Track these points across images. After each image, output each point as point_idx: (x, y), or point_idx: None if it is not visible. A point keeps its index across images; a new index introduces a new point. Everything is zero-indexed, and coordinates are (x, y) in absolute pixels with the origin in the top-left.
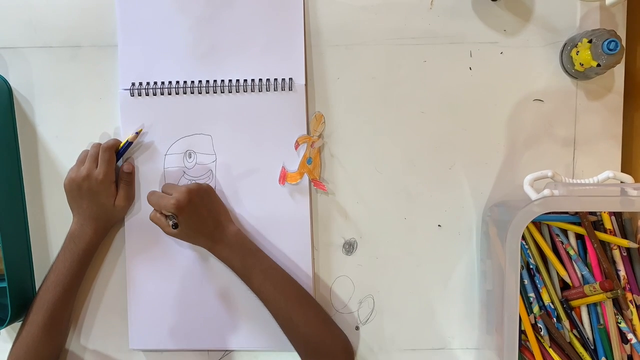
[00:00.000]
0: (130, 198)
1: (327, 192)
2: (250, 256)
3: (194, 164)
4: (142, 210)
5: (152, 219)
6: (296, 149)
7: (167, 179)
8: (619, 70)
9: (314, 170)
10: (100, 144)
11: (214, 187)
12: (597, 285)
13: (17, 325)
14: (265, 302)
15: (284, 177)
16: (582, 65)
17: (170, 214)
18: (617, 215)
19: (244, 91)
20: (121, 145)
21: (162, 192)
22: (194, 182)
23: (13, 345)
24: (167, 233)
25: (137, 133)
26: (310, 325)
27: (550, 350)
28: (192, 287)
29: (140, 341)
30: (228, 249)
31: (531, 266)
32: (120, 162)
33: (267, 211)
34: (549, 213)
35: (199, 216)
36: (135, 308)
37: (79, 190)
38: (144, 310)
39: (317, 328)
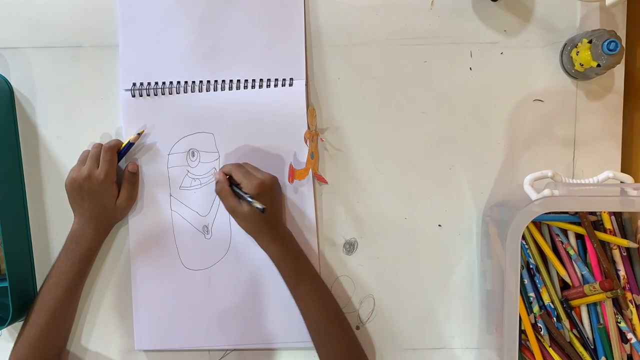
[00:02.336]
0: (132, 198)
1: (329, 192)
2: (301, 262)
3: (197, 162)
4: (145, 208)
5: (219, 192)
6: (305, 143)
7: (171, 179)
8: (619, 71)
9: (315, 164)
10: (101, 144)
11: None
12: (597, 285)
13: (18, 325)
14: (305, 311)
15: (292, 175)
16: (582, 65)
17: (248, 194)
18: (617, 215)
19: (245, 88)
20: (123, 145)
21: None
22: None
23: (14, 345)
24: (237, 214)
25: (139, 134)
26: (343, 343)
27: (550, 350)
28: (195, 286)
29: (146, 342)
30: (284, 250)
31: (531, 266)
32: (122, 163)
33: None
34: (549, 213)
35: (272, 207)
36: (141, 308)
37: (80, 190)
38: (149, 310)
39: (348, 347)
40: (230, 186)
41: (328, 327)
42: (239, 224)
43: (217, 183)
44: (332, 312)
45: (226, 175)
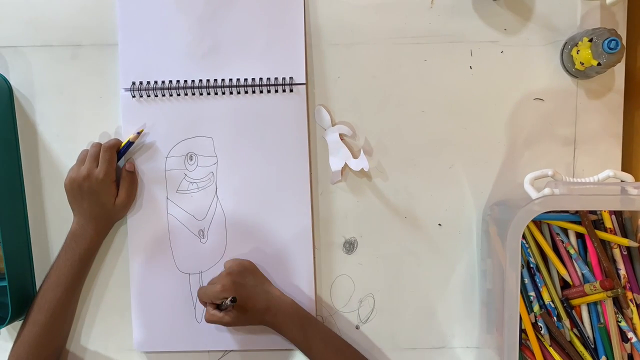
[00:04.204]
0: (131, 197)
1: (328, 191)
2: (309, 325)
3: (195, 166)
4: (143, 208)
5: (208, 321)
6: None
7: (169, 182)
8: (620, 69)
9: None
10: (100, 144)
11: (214, 189)
12: (597, 284)
13: (17, 324)
14: None
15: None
16: (583, 64)
17: (221, 301)
18: (618, 214)
19: (245, 92)
20: (122, 145)
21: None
22: (233, 259)
23: (14, 345)
24: (228, 324)
25: (139, 133)
26: None
27: (551, 349)
28: (190, 289)
29: (145, 343)
30: (288, 320)
31: (531, 265)
32: (121, 162)
33: (269, 212)
34: (550, 212)
35: (248, 293)
36: (138, 309)
37: (79, 189)
38: (147, 311)
39: None
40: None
41: None
42: (246, 324)
43: (208, 319)
44: None
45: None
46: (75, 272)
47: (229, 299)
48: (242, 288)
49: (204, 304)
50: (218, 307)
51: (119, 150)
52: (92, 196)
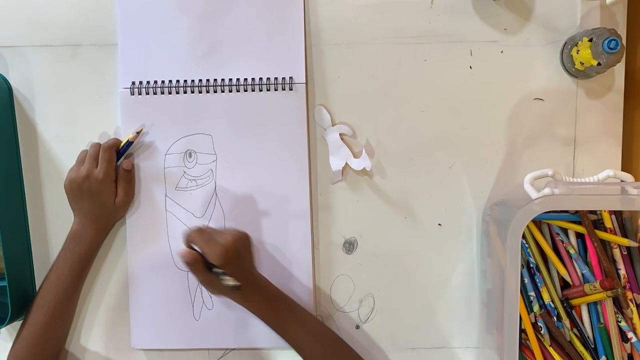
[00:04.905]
0: (130, 196)
1: (328, 191)
2: (283, 306)
3: (194, 163)
4: (141, 208)
5: (186, 260)
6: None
7: (167, 179)
8: (620, 69)
9: None
10: (99, 144)
11: (213, 187)
12: (597, 284)
13: (17, 324)
14: (300, 351)
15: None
16: (583, 64)
17: (220, 271)
18: (618, 214)
19: (244, 90)
20: (122, 144)
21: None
22: (232, 228)
23: (13, 345)
24: (200, 281)
25: (138, 132)
26: None
27: (551, 349)
28: (192, 284)
29: (143, 340)
30: (263, 301)
31: (531, 265)
32: (120, 162)
33: (268, 211)
34: (549, 212)
35: (243, 271)
36: (137, 307)
37: (79, 190)
38: (145, 309)
39: None
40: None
41: (326, 358)
42: (210, 292)
43: (184, 257)
44: (328, 345)
45: (191, 246)
46: (75, 272)
47: (233, 284)
48: (239, 263)
49: (187, 245)
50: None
51: (118, 150)
52: (93, 196)
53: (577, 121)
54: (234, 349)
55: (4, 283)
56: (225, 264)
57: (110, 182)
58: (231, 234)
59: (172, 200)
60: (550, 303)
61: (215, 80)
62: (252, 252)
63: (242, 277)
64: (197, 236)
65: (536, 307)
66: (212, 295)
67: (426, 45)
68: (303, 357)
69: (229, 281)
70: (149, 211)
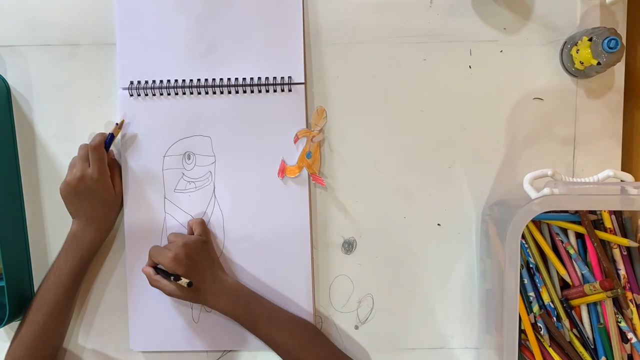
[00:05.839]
0: (104, 172)
1: (326, 188)
2: (253, 304)
3: (193, 165)
4: (140, 207)
5: (152, 284)
6: (295, 142)
7: (166, 181)
8: (619, 69)
9: (313, 164)
10: (87, 145)
11: (212, 189)
12: (597, 285)
13: (14, 325)
14: (273, 347)
15: (283, 171)
16: (582, 63)
17: (172, 275)
18: (617, 214)
19: (244, 92)
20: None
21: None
22: (193, 235)
23: (11, 345)
24: (168, 294)
25: (118, 124)
26: None
27: (550, 350)
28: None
29: (141, 342)
30: (231, 301)
31: (531, 265)
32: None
33: (267, 212)
34: (549, 212)
35: (198, 273)
36: (136, 309)
37: (76, 192)
38: (144, 311)
39: None
40: (156, 274)
41: (299, 355)
42: (185, 300)
43: (143, 273)
44: (300, 338)
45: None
46: (75, 272)
47: (186, 282)
48: (193, 265)
49: (151, 263)
50: (164, 272)
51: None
52: (91, 196)
53: (576, 121)
54: (231, 351)
55: (2, 283)
56: (176, 267)
57: (106, 178)
58: (182, 240)
59: (170, 202)
60: (550, 303)
61: (214, 80)
62: (211, 254)
63: (199, 277)
64: (152, 251)
65: (536, 308)
66: (176, 299)
67: (425, 45)
68: (277, 353)
69: (182, 281)
70: (148, 213)
